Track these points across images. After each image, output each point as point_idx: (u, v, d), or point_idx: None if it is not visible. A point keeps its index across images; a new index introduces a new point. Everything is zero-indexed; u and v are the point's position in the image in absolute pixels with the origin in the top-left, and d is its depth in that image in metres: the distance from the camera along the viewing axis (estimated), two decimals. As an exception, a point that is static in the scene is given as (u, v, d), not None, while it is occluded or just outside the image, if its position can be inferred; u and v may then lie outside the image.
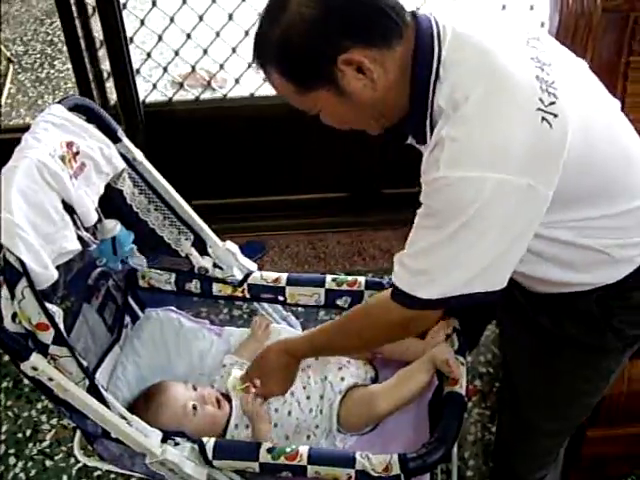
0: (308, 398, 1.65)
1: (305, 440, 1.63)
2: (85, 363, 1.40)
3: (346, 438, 1.65)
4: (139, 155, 1.66)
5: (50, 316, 1.29)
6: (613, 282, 1.35)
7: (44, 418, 2.44)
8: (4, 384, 2.54)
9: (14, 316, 1.28)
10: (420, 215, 1.23)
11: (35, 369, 1.29)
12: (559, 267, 1.33)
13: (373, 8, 1.16)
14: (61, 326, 1.32)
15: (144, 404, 1.64)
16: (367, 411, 1.63)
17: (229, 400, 1.67)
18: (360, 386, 1.69)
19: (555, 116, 1.14)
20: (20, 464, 2.32)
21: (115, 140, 1.60)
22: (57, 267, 1.35)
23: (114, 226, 1.64)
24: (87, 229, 1.52)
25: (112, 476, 2.24)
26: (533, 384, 1.57)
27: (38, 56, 4.34)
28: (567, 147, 1.15)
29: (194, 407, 1.62)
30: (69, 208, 1.42)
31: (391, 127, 1.31)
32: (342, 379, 1.66)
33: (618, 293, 1.36)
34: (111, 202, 1.63)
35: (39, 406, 2.46)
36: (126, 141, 1.63)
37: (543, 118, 1.13)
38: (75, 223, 1.45)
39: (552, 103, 1.14)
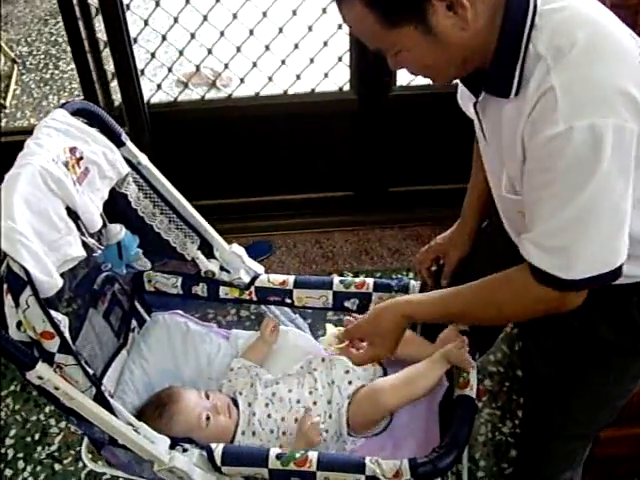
0: (315, 404, 1.63)
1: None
2: (91, 371, 1.39)
3: (356, 440, 1.63)
4: (143, 159, 1.65)
5: (55, 325, 1.28)
6: None
7: (52, 422, 2.43)
8: (12, 388, 2.53)
9: (19, 325, 1.27)
10: (540, 185, 1.14)
11: (41, 378, 1.28)
12: None
13: None
14: (67, 334, 1.31)
15: (155, 412, 1.63)
16: (372, 406, 1.60)
17: (237, 406, 1.66)
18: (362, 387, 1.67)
19: None
20: (29, 468, 2.32)
21: (119, 144, 1.58)
22: (62, 274, 1.34)
23: (119, 231, 1.63)
24: (92, 235, 1.51)
25: (120, 480, 2.23)
26: (561, 388, 1.53)
27: (42, 57, 4.34)
28: None
29: (207, 417, 1.61)
30: (73, 214, 1.41)
31: (468, 77, 1.25)
32: (350, 382, 1.64)
33: None
34: (116, 207, 1.61)
35: (47, 410, 2.46)
36: (130, 145, 1.62)
37: None
38: (80, 229, 1.43)
39: None
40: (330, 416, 1.62)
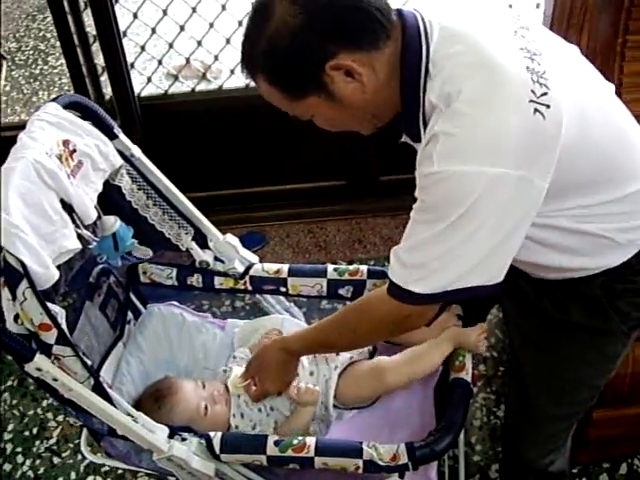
0: (312, 375, 1.66)
1: None
2: (89, 362, 1.40)
3: (343, 413, 1.66)
4: (136, 151, 1.66)
5: (52, 316, 1.28)
6: (617, 265, 1.34)
7: (50, 415, 2.44)
8: (9, 383, 2.54)
9: (16, 317, 1.28)
10: (415, 209, 1.22)
11: (39, 370, 1.29)
12: (561, 253, 1.32)
13: (358, 11, 1.15)
14: (64, 326, 1.32)
15: (155, 405, 1.63)
16: (374, 383, 1.63)
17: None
18: (358, 361, 1.68)
19: (547, 107, 1.12)
20: (28, 462, 2.33)
21: (112, 137, 1.59)
22: (58, 266, 1.35)
23: (114, 222, 1.63)
24: (87, 227, 1.52)
25: (120, 472, 2.24)
26: (540, 369, 1.56)
27: (31, 52, 4.33)
28: (561, 137, 1.14)
29: (206, 407, 1.62)
30: (68, 207, 1.41)
31: (384, 126, 1.31)
32: (337, 354, 1.66)
33: (622, 276, 1.36)
34: (110, 199, 1.62)
35: (44, 404, 2.47)
36: (123, 137, 1.62)
37: (536, 110, 1.12)
38: (74, 222, 1.44)
39: (544, 94, 1.13)
40: (315, 387, 1.63)
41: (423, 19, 1.21)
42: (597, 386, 1.58)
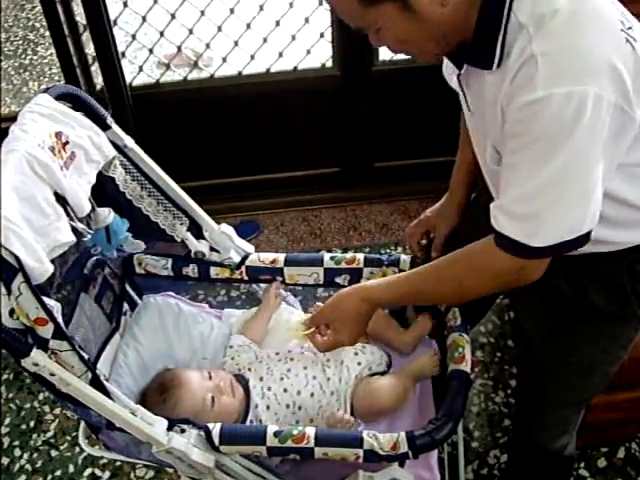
0: (328, 380, 1.64)
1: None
2: (86, 355, 1.39)
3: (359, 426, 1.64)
4: (129, 141, 1.64)
5: (48, 311, 1.27)
6: None
7: (47, 409, 2.44)
8: (4, 376, 2.53)
9: (12, 312, 1.26)
10: (515, 149, 1.15)
11: (36, 365, 1.28)
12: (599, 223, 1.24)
13: None
14: (60, 320, 1.31)
15: (160, 397, 1.62)
16: (370, 405, 1.63)
17: (242, 382, 1.66)
18: (373, 375, 1.68)
19: (635, 40, 1.11)
20: (25, 455, 2.32)
21: (104, 127, 1.57)
22: (52, 260, 1.33)
23: (108, 214, 1.62)
24: (81, 219, 1.50)
25: (118, 464, 2.24)
26: (552, 354, 1.54)
27: (20, 42, 4.29)
28: None
29: (212, 399, 1.60)
30: (61, 199, 1.40)
31: (449, 53, 1.25)
32: (359, 363, 1.66)
33: None
34: (104, 190, 1.60)
35: (41, 397, 2.46)
36: (116, 128, 1.61)
37: (627, 40, 1.10)
38: (68, 214, 1.42)
39: (630, 28, 1.13)
40: (339, 396, 1.63)
41: None
42: (609, 372, 1.57)
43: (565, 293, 1.41)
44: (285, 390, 1.63)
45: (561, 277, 1.37)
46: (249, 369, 1.69)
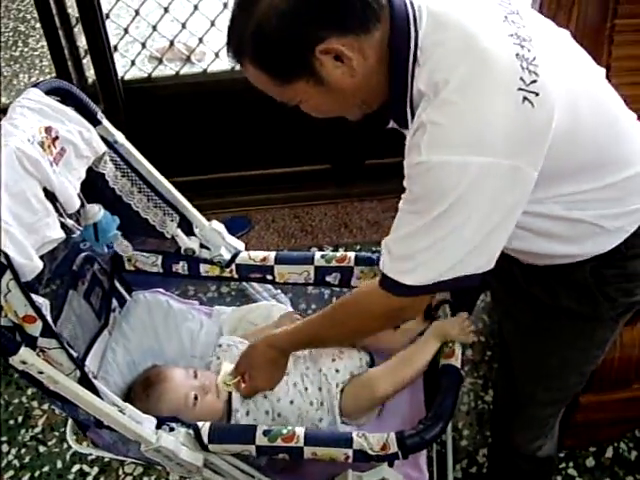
0: (306, 390, 1.62)
1: None
2: (75, 354, 1.37)
3: (351, 428, 1.63)
4: (120, 137, 1.63)
5: (37, 308, 1.26)
6: (606, 252, 1.34)
7: (35, 404, 2.42)
8: (-8, 372, 2.52)
9: (-1, 309, 1.25)
10: (403, 199, 1.21)
11: (24, 363, 1.26)
12: (552, 241, 1.32)
13: None
14: (48, 317, 1.30)
15: (143, 392, 1.62)
16: (367, 395, 1.60)
17: None
18: (357, 375, 1.66)
19: (537, 95, 1.11)
20: (13, 451, 2.31)
21: (95, 123, 1.55)
22: (41, 256, 1.32)
23: (97, 211, 1.60)
24: (70, 216, 1.49)
25: (106, 460, 2.23)
26: (528, 355, 1.57)
27: (11, 34, 4.26)
28: (552, 125, 1.13)
29: (195, 397, 1.60)
30: (51, 195, 1.38)
31: (372, 112, 1.29)
32: (337, 371, 1.63)
33: (612, 262, 1.35)
34: (93, 186, 1.59)
35: (29, 392, 2.45)
36: (106, 123, 1.59)
37: (525, 98, 1.10)
38: (58, 210, 1.41)
39: (533, 82, 1.12)
40: (322, 403, 1.61)
41: (412, 3, 1.19)
42: (585, 372, 1.59)
43: (541, 299, 1.44)
44: (265, 396, 1.62)
45: (537, 285, 1.43)
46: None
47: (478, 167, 1.10)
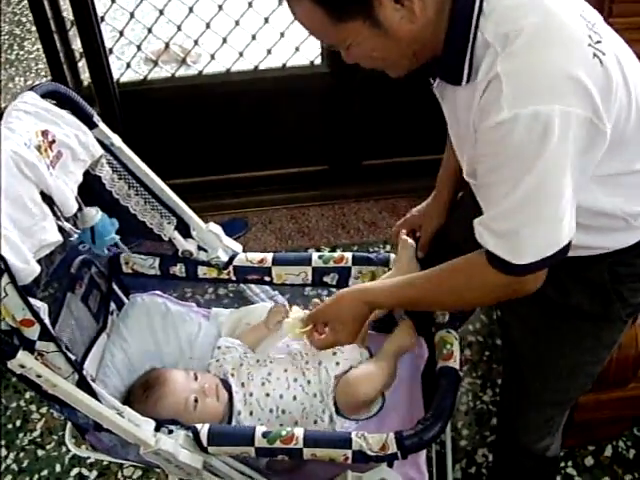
0: (309, 383, 1.63)
1: (313, 425, 1.60)
2: (73, 357, 1.37)
3: (347, 422, 1.63)
4: (117, 140, 1.62)
5: (35, 312, 1.25)
6: (625, 247, 1.34)
7: (33, 407, 2.42)
8: (-11, 375, 2.51)
9: (-4, 313, 1.25)
10: (489, 169, 1.16)
11: (23, 367, 1.26)
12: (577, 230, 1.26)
13: None
14: (47, 321, 1.29)
15: (142, 394, 1.61)
16: (351, 397, 1.59)
17: (227, 387, 1.65)
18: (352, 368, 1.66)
19: (603, 54, 1.11)
20: (12, 455, 2.31)
21: (91, 126, 1.55)
22: (39, 260, 1.32)
23: (94, 214, 1.60)
24: (67, 219, 1.49)
25: (105, 463, 2.23)
26: (536, 355, 1.55)
27: (6, 37, 4.25)
28: (615, 86, 1.12)
29: (195, 400, 1.59)
30: (48, 199, 1.38)
31: (419, 69, 1.26)
32: (337, 364, 1.63)
33: (627, 260, 1.35)
34: (91, 189, 1.58)
35: (27, 396, 2.45)
36: (103, 126, 1.59)
37: (594, 54, 1.10)
38: (55, 214, 1.41)
39: (598, 42, 1.12)
40: (323, 395, 1.62)
41: None
42: (593, 373, 1.58)
43: (550, 296, 1.42)
44: (267, 394, 1.62)
45: (548, 283, 1.38)
46: (232, 374, 1.68)
47: (564, 115, 1.07)
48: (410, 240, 1.70)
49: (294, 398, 1.61)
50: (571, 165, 1.11)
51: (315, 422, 1.60)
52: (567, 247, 1.17)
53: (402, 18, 1.13)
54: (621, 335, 1.51)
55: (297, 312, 1.60)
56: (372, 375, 1.59)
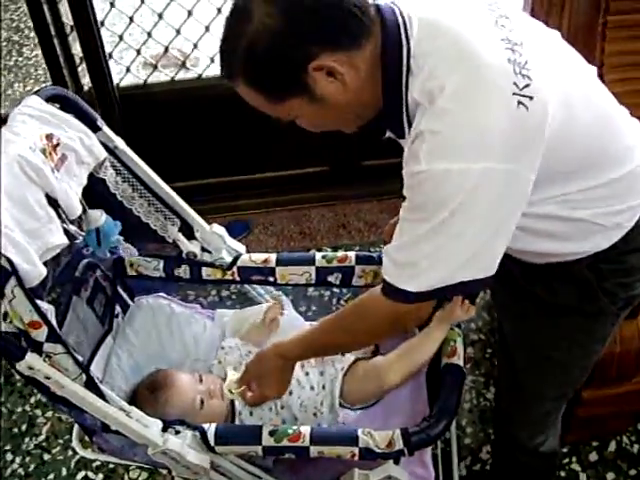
0: (307, 375, 1.65)
1: (312, 417, 1.62)
2: (80, 358, 1.38)
3: (348, 413, 1.65)
4: (120, 143, 1.64)
5: (42, 314, 1.26)
6: (604, 248, 1.35)
7: (39, 412, 2.42)
8: (-5, 381, 2.52)
9: (5, 316, 1.26)
10: (404, 208, 1.22)
11: (31, 368, 1.27)
12: (551, 240, 1.33)
13: (337, 10, 1.13)
14: (54, 323, 1.30)
15: (150, 396, 1.62)
16: (376, 385, 1.62)
17: None
18: (362, 359, 1.68)
19: (531, 99, 1.12)
20: (18, 460, 2.31)
21: (95, 129, 1.57)
22: (45, 263, 1.33)
23: (99, 216, 1.62)
24: (72, 222, 1.50)
25: (111, 466, 2.23)
26: (530, 353, 1.57)
27: (5, 44, 4.26)
28: (547, 128, 1.14)
29: (201, 401, 1.61)
30: (53, 202, 1.39)
31: (368, 124, 1.30)
32: (342, 354, 1.65)
33: (609, 258, 1.36)
34: (95, 192, 1.60)
35: (32, 400, 2.45)
36: (106, 129, 1.60)
37: (519, 102, 1.11)
38: (60, 217, 1.42)
39: (527, 85, 1.12)
40: (323, 387, 1.64)
41: (402, 13, 1.19)
42: (587, 367, 1.60)
43: (541, 297, 1.45)
44: None
45: (536, 283, 1.44)
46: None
47: (478, 173, 1.10)
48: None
49: (290, 393, 1.62)
50: (484, 216, 1.15)
51: (315, 415, 1.62)
52: (468, 283, 1.20)
53: (337, 89, 1.17)
54: (615, 328, 1.52)
55: (233, 375, 1.65)
56: (399, 363, 1.61)
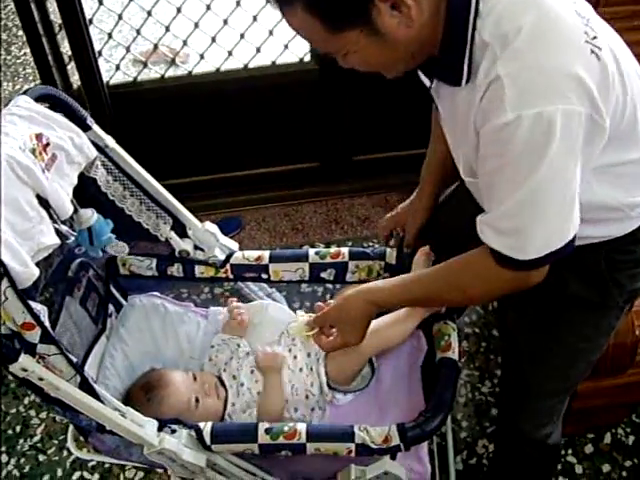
0: (295, 358, 1.65)
1: (305, 400, 1.63)
2: (74, 359, 1.37)
3: (339, 397, 1.66)
4: (110, 142, 1.63)
5: (35, 315, 1.25)
6: (619, 236, 1.34)
7: (33, 413, 2.41)
8: (-12, 382, 2.51)
9: (-3, 317, 1.25)
10: (495, 169, 1.16)
11: (25, 370, 1.26)
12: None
13: None
14: (47, 324, 1.29)
15: (144, 396, 1.62)
16: (346, 354, 1.59)
17: (223, 383, 1.66)
18: None
19: (600, 49, 1.12)
20: (13, 461, 2.30)
21: (85, 128, 1.55)
22: (37, 263, 1.32)
23: (90, 216, 1.60)
24: (64, 222, 1.49)
25: (107, 466, 2.22)
26: (535, 345, 1.56)
27: (-8, 43, 4.24)
28: (611, 80, 1.13)
29: (197, 400, 1.60)
30: (44, 202, 1.38)
31: (416, 68, 1.26)
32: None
33: (623, 247, 1.36)
34: (86, 191, 1.59)
35: (26, 401, 2.44)
36: (96, 128, 1.59)
37: (592, 50, 1.11)
38: (51, 217, 1.41)
39: (595, 37, 1.12)
40: (311, 369, 1.64)
41: None
42: (591, 360, 1.59)
43: (547, 286, 1.42)
44: (257, 381, 1.65)
45: (548, 272, 1.38)
46: (224, 370, 1.70)
47: (566, 114, 1.07)
48: (425, 249, 1.69)
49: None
50: (574, 162, 1.12)
51: (307, 397, 1.62)
52: (572, 241, 1.18)
53: (400, 24, 1.12)
54: (618, 321, 1.52)
55: (302, 316, 1.61)
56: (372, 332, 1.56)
